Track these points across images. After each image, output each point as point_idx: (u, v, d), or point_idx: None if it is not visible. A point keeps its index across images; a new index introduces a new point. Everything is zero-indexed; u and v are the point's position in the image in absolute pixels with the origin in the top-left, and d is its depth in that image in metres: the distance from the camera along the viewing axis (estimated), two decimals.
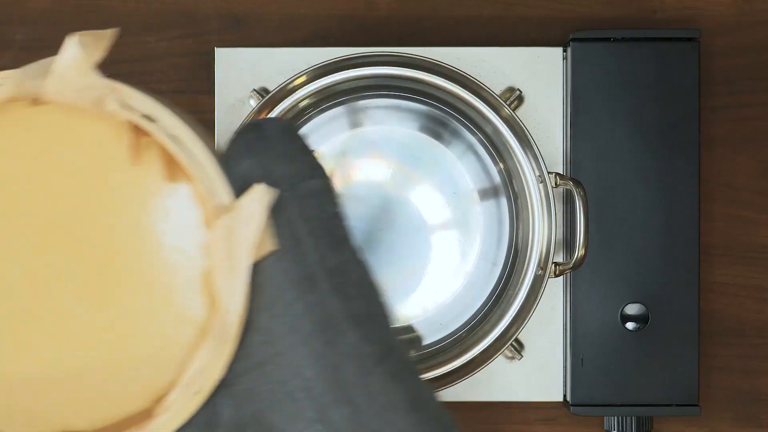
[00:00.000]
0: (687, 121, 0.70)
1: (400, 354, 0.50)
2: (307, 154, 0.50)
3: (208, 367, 0.48)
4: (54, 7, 0.73)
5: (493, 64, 0.71)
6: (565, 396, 0.72)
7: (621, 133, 0.71)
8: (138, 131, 0.48)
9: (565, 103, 0.72)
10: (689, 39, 0.70)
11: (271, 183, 0.48)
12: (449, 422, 0.51)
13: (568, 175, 0.71)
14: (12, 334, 0.49)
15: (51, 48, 0.73)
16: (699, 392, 0.71)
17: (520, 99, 0.72)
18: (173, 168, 0.49)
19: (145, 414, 0.50)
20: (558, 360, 0.72)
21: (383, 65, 0.69)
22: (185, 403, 0.48)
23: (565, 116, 0.72)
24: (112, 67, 0.73)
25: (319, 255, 0.49)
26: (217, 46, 0.72)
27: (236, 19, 0.73)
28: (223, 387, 0.49)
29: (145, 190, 0.49)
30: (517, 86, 0.71)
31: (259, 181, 0.48)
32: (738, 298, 0.74)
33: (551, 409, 0.74)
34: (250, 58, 0.71)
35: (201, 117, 0.71)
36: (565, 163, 0.72)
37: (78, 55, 0.47)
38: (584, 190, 0.68)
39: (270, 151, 0.49)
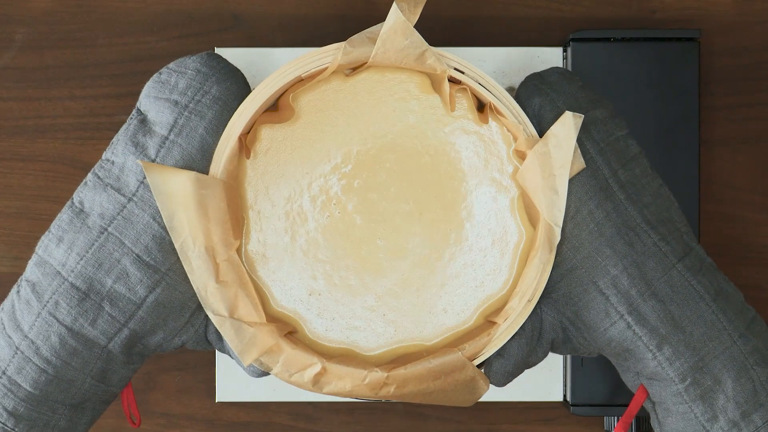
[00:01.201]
0: (687, 121, 0.70)
1: (699, 253, 0.57)
2: (585, 90, 0.57)
3: (537, 276, 0.55)
4: (54, 7, 0.73)
5: (493, 64, 0.71)
6: (565, 396, 0.72)
7: None
8: (450, 83, 0.56)
9: None
10: (689, 39, 0.70)
11: (559, 116, 0.55)
12: (752, 315, 0.57)
13: None
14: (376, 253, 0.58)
15: (51, 48, 0.73)
16: None
17: None
18: (480, 113, 0.57)
19: (482, 328, 0.57)
20: (558, 360, 0.72)
21: None
22: (521, 310, 0.56)
23: None
24: (113, 67, 0.73)
25: (610, 170, 0.56)
26: (217, 46, 0.72)
27: (236, 19, 0.73)
28: (544, 296, 0.57)
29: (462, 133, 0.57)
30: (517, 86, 0.71)
31: (549, 115, 0.56)
32: None
33: (551, 409, 0.74)
34: (250, 58, 0.71)
35: None
36: None
37: (401, 18, 0.54)
38: None
39: (554, 91, 0.57)
